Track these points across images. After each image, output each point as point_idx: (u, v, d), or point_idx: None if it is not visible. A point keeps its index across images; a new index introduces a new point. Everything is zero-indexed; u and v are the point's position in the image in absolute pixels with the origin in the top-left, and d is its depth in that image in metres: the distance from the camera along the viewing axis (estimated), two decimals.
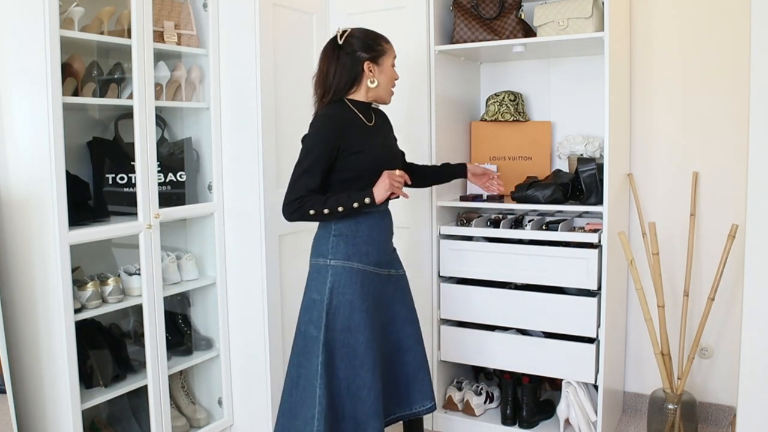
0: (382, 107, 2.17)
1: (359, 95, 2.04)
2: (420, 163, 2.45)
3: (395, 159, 2.11)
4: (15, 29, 2.00)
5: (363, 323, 1.97)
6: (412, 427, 2.25)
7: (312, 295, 2.01)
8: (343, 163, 1.95)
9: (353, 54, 1.99)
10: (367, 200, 1.93)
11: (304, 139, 1.99)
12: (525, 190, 2.54)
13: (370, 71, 2.01)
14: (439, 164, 2.52)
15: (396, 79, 2.10)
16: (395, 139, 2.24)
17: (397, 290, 2.12)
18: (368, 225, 2.01)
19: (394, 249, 2.16)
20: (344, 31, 2.01)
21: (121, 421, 2.40)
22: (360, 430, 1.97)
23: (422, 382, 2.14)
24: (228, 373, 2.63)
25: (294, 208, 1.92)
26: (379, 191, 1.94)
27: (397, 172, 1.98)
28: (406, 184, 2.03)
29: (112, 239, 2.20)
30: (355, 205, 1.93)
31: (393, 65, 2.07)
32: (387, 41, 2.06)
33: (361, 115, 2.02)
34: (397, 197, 2.04)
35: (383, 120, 2.16)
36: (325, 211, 1.91)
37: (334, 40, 2.02)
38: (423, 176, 2.37)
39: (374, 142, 2.02)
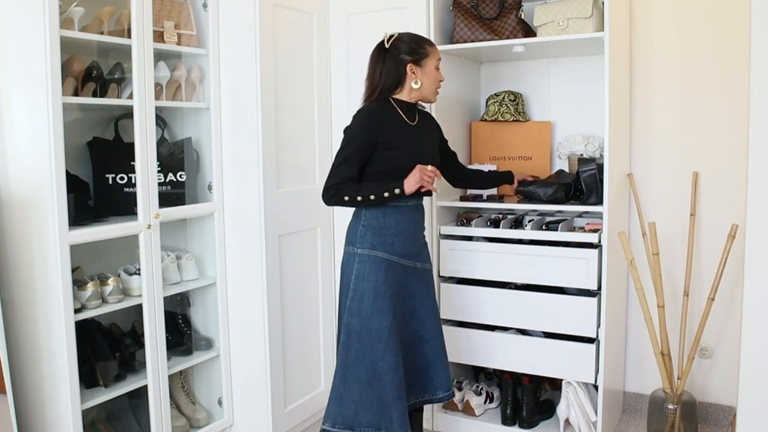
0: (427, 107, 2.27)
1: (403, 95, 2.15)
2: (468, 167, 2.63)
3: (430, 159, 2.16)
4: (15, 29, 2.00)
5: (388, 309, 2.07)
6: (411, 417, 2.26)
7: (342, 281, 2.16)
8: (378, 156, 2.07)
9: (398, 57, 2.10)
10: (396, 191, 2.04)
11: (346, 131, 2.11)
12: (528, 186, 2.55)
13: (413, 73, 2.11)
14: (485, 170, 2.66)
15: (441, 81, 2.19)
16: (445, 141, 2.39)
17: (421, 282, 2.21)
18: (396, 218, 2.11)
19: (425, 243, 2.25)
20: (391, 36, 2.11)
21: (121, 421, 2.40)
22: (387, 411, 2.06)
23: (438, 371, 2.22)
24: (228, 373, 2.63)
25: (331, 194, 2.06)
26: (409, 183, 2.05)
27: (429, 167, 2.07)
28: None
29: (112, 239, 2.20)
30: (386, 194, 2.04)
31: (437, 67, 2.17)
32: (431, 44, 2.16)
33: (403, 114, 2.12)
34: (429, 194, 2.14)
35: (427, 121, 2.27)
36: (359, 198, 2.04)
37: (381, 44, 2.13)
38: (465, 177, 2.51)
39: (411, 140, 2.11)
